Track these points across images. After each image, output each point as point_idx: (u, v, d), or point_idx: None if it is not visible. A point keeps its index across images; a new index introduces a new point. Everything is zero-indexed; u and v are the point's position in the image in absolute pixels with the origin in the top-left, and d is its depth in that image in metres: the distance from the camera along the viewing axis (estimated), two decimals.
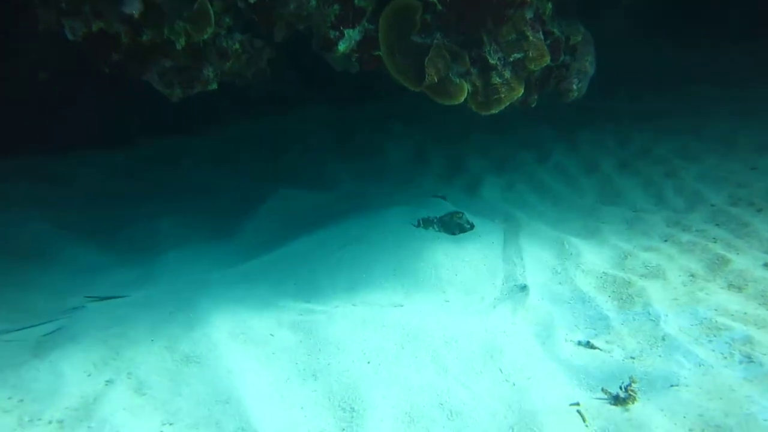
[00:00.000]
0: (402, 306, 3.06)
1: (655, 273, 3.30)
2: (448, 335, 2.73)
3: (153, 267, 3.35)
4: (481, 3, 2.73)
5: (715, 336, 2.73)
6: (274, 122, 5.60)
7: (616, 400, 2.32)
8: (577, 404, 2.33)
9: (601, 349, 2.70)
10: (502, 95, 2.89)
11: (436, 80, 2.76)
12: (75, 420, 2.17)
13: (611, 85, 6.13)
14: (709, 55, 6.74)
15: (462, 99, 2.85)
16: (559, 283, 3.29)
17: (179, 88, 2.76)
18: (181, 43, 2.52)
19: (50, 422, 2.16)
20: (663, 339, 2.73)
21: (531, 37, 2.88)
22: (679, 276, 3.28)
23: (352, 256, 3.41)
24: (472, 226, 3.72)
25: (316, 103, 5.77)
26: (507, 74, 2.89)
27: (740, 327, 2.75)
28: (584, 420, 2.25)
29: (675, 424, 2.23)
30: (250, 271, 3.33)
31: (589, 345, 2.73)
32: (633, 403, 2.30)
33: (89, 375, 2.42)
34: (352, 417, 2.28)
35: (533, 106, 3.33)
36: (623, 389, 2.33)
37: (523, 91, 2.95)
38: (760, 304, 2.94)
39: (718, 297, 3.03)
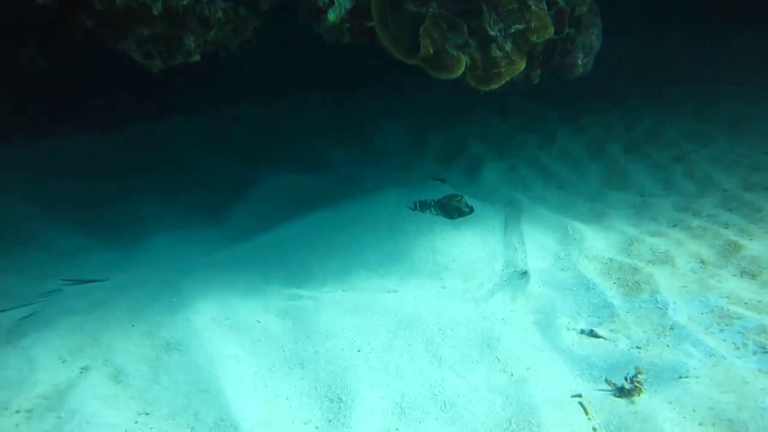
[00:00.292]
0: (396, 292, 2.93)
1: (663, 259, 3.15)
2: (444, 323, 2.60)
3: (136, 250, 3.22)
4: None
5: (726, 325, 2.58)
6: (268, 103, 5.43)
7: (621, 392, 2.19)
8: (580, 396, 2.19)
9: (605, 338, 2.56)
10: (503, 69, 2.71)
11: (431, 52, 2.59)
12: (44, 409, 2.05)
13: (618, 65, 5.93)
14: (721, 36, 6.50)
15: (459, 72, 2.67)
16: (562, 269, 3.14)
17: (159, 58, 2.60)
18: (157, 8, 2.35)
19: (17, 411, 2.04)
20: (671, 328, 2.59)
21: (533, 7, 2.70)
22: (689, 262, 3.12)
23: (344, 240, 3.27)
24: (471, 210, 3.57)
25: (312, 85, 5.59)
26: (508, 47, 2.71)
27: (754, 316, 2.59)
28: (587, 413, 2.11)
29: (684, 417, 2.09)
30: (238, 255, 3.20)
31: (592, 334, 2.58)
32: (639, 395, 2.17)
33: (63, 362, 2.30)
34: (339, 408, 2.16)
35: (536, 82, 3.15)
36: (628, 380, 2.19)
37: (524, 65, 2.77)
38: None
39: (730, 284, 2.87)
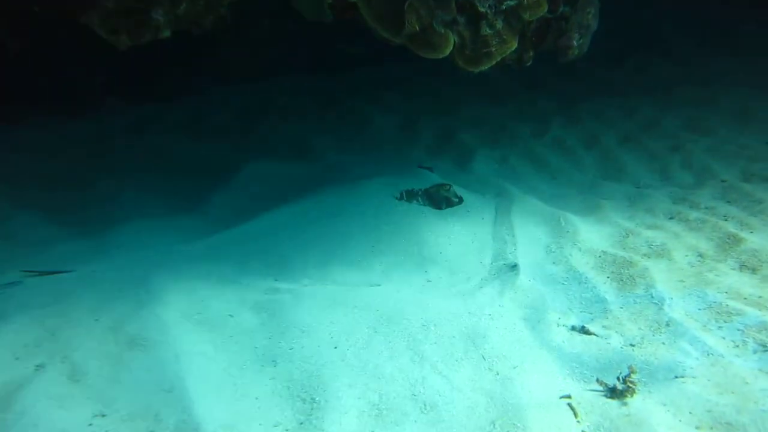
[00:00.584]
0: (379, 285, 2.78)
1: (659, 252, 3.01)
2: (427, 318, 2.46)
3: (105, 239, 3.05)
4: None
5: (725, 322, 2.45)
6: (252, 88, 5.24)
7: (613, 393, 2.06)
8: (569, 397, 2.07)
9: (597, 335, 2.42)
10: (493, 49, 2.54)
11: (417, 29, 2.42)
12: None
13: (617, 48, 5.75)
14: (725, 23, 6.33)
15: (447, 52, 2.50)
16: (553, 263, 3.00)
17: (125, 34, 2.41)
18: None
19: None
20: (667, 324, 2.46)
21: None
22: (686, 256, 2.99)
23: (326, 231, 3.11)
24: (460, 200, 3.42)
25: (298, 69, 5.41)
26: (499, 25, 2.55)
27: (754, 312, 2.47)
28: (576, 415, 1.99)
29: (680, 420, 1.96)
30: (214, 245, 3.04)
31: (583, 330, 2.45)
32: (632, 396, 2.05)
33: (17, 358, 2.15)
34: (312, 409, 2.02)
35: (529, 64, 2.98)
36: (621, 380, 2.07)
37: (516, 44, 2.60)
38: None
39: (730, 279, 2.74)
